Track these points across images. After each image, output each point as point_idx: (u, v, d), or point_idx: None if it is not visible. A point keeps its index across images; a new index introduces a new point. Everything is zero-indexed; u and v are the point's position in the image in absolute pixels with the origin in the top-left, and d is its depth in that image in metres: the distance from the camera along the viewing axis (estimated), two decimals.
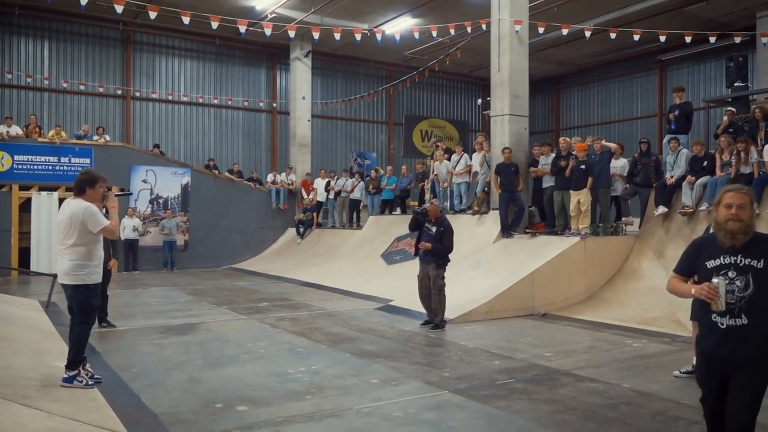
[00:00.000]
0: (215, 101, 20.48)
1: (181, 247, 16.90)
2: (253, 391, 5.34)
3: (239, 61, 21.17)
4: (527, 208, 11.89)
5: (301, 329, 8.22)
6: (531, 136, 12.39)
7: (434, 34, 15.05)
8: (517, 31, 11.74)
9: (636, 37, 13.56)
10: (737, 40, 13.69)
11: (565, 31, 13.72)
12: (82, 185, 5.21)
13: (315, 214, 18.06)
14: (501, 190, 11.46)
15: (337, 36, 14.48)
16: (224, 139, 20.98)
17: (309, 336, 7.76)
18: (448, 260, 8.37)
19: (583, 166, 10.50)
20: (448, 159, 13.51)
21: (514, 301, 9.26)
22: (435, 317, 8.28)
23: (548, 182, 11.32)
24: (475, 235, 11.71)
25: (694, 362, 5.79)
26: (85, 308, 5.16)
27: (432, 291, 8.26)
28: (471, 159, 13.02)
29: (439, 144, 14.27)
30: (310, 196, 18.21)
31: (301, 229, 17.77)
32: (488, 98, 13.12)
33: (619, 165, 11.32)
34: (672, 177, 10.29)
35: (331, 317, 9.23)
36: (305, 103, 19.99)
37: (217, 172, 18.31)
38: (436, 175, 13.77)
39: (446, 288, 8.28)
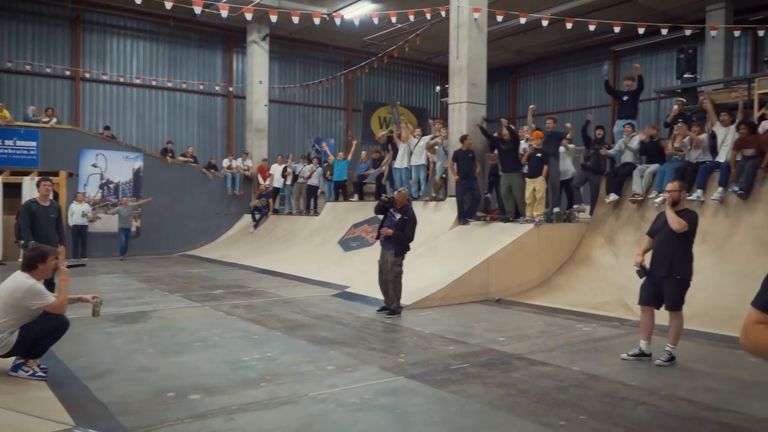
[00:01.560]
0: (169, 84, 19.95)
1: (132, 234, 16.48)
2: (207, 379, 5.27)
3: (194, 44, 20.67)
4: (483, 194, 12.02)
5: (257, 316, 8.15)
6: (488, 124, 12.48)
7: (393, 20, 14.99)
8: (475, 19, 11.79)
9: (591, 28, 13.77)
10: (688, 32, 14.04)
11: (523, 20, 13.85)
12: (33, 262, 4.95)
13: (271, 201, 17.88)
14: (458, 176, 11.55)
15: (296, 20, 14.26)
16: (178, 124, 20.50)
17: (264, 323, 7.70)
18: (408, 249, 8.41)
19: (539, 154, 10.64)
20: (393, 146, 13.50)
21: (470, 287, 9.37)
22: (391, 303, 8.33)
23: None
24: (432, 221, 11.77)
25: (641, 345, 6.02)
26: (39, 338, 4.90)
27: (389, 277, 8.31)
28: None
29: (394, 130, 14.24)
30: (267, 182, 18.02)
31: (257, 216, 17.58)
32: (446, 85, 13.14)
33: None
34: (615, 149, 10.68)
35: (287, 304, 9.17)
36: (262, 87, 19.68)
37: (171, 156, 17.85)
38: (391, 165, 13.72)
39: (403, 275, 8.32)
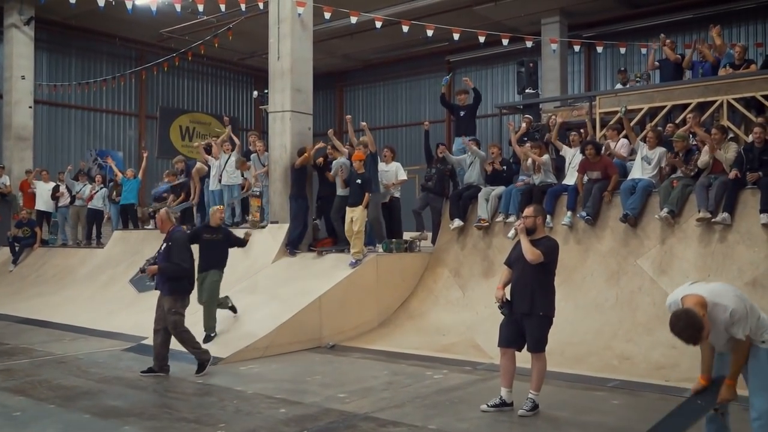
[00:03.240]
0: None
1: None
2: None
3: None
4: (312, 220, 11.86)
5: (18, 384, 7.26)
6: (314, 138, 12.42)
7: (201, 8, 14.44)
8: (300, 14, 11.71)
9: (429, 33, 14.36)
10: (529, 44, 15.19)
11: (354, 19, 14.04)
12: None
13: (38, 229, 16.30)
14: (293, 199, 11.31)
15: None
16: None
17: (30, 393, 6.88)
18: (188, 286, 7.70)
19: (359, 180, 10.44)
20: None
21: (299, 333, 9.15)
22: (201, 354, 7.65)
23: (339, 191, 11.34)
24: (250, 252, 11.34)
25: (502, 393, 6.11)
26: None
27: (171, 330, 7.51)
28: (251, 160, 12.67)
29: (210, 142, 13.69)
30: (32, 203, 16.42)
31: (17, 248, 15.89)
32: (265, 91, 12.90)
33: (392, 170, 11.56)
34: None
35: (62, 365, 8.34)
36: (26, 84, 17.99)
37: None
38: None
39: (186, 323, 7.57)
